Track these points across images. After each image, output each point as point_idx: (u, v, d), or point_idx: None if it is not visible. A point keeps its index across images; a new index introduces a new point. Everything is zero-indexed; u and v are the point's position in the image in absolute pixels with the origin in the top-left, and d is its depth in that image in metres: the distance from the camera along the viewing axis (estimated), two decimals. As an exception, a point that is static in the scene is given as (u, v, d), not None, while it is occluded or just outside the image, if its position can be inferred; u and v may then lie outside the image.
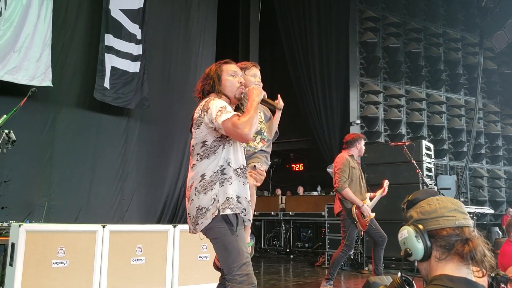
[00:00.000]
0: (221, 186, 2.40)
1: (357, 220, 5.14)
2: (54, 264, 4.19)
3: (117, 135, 6.54)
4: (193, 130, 2.50)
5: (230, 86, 2.58)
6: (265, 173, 2.93)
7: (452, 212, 1.49)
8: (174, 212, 6.86)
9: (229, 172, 2.43)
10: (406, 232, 1.51)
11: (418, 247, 1.48)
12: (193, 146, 2.51)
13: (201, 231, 2.43)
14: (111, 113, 6.42)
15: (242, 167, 2.49)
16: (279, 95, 3.05)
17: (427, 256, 1.49)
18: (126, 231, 4.82)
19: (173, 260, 4.95)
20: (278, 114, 3.45)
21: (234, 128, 2.29)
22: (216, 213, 2.35)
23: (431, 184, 7.31)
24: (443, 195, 1.63)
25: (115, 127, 6.54)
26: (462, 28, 12.88)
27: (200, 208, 2.40)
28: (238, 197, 2.43)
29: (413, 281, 1.59)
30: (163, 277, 4.86)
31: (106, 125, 6.42)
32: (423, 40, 12.22)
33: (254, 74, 3.01)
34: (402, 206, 1.63)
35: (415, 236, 1.49)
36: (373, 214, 5.28)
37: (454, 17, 12.75)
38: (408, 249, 1.51)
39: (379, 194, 5.39)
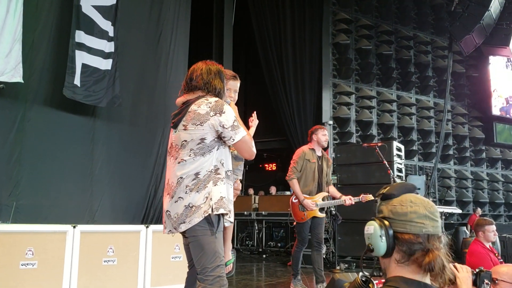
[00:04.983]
0: (215, 185, 2.41)
1: (291, 210, 5.27)
2: (22, 265, 4.09)
3: (86, 133, 6.38)
4: (190, 124, 2.43)
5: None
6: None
7: (421, 219, 1.46)
8: (146, 212, 6.76)
9: (222, 173, 2.46)
10: (372, 229, 1.50)
11: (381, 245, 1.48)
12: (185, 140, 2.44)
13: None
14: (81, 111, 6.28)
15: (230, 170, 2.56)
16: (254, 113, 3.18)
17: (388, 254, 1.49)
18: (97, 231, 4.76)
19: (146, 261, 4.90)
20: (253, 129, 3.38)
21: (249, 145, 2.48)
22: (210, 211, 2.36)
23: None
24: (417, 192, 1.61)
25: (85, 125, 6.38)
26: (432, 31, 13.17)
27: (190, 206, 2.37)
28: (228, 198, 2.49)
29: (375, 282, 1.60)
30: (135, 278, 4.80)
31: (76, 123, 6.26)
32: (394, 42, 12.44)
33: (229, 88, 2.94)
34: (376, 197, 1.59)
35: (379, 235, 1.48)
36: (321, 215, 5.23)
37: (424, 21, 13.03)
38: (370, 245, 1.50)
39: (340, 200, 5.21)
